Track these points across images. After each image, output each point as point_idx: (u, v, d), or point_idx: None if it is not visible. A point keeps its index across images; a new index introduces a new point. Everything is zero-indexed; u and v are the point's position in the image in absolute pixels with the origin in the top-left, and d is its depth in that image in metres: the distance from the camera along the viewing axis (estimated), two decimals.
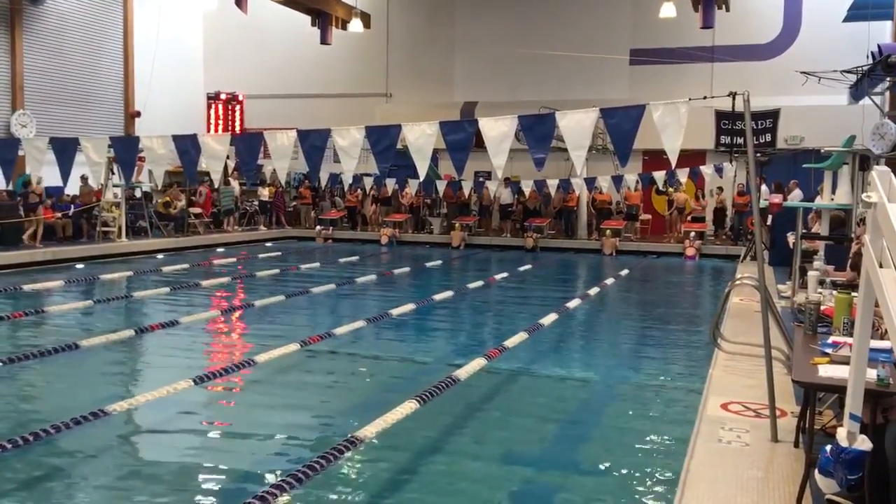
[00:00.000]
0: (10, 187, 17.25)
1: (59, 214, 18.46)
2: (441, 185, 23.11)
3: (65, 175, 9.84)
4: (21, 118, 21.13)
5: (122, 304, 11.64)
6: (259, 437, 6.08)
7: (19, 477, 5.06)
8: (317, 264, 17.11)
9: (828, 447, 3.49)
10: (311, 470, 4.57)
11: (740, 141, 21.57)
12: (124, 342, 8.73)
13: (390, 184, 23.44)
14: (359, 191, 24.62)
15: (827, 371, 4.03)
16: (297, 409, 6.84)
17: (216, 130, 26.59)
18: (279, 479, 4.48)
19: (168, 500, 4.79)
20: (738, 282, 6.69)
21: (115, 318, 10.71)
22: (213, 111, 27.19)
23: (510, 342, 8.37)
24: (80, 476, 5.20)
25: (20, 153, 10.89)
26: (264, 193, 24.64)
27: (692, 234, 20.52)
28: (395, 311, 10.43)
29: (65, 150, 9.90)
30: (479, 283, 13.76)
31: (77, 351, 7.67)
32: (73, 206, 18.97)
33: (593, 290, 13.50)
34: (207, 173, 11.78)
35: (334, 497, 4.81)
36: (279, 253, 19.96)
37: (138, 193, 20.83)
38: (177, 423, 6.36)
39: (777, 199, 12.92)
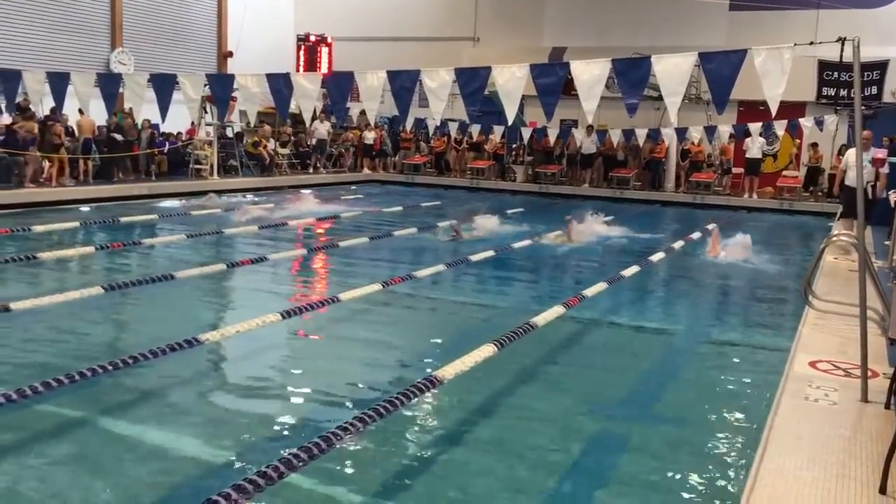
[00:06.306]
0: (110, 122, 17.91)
1: (155, 150, 19.11)
2: (526, 133, 22.84)
3: (163, 110, 10.18)
4: (120, 55, 21.82)
5: (214, 238, 12.05)
6: (341, 371, 6.27)
7: (118, 397, 5.38)
8: (399, 208, 17.26)
9: None
10: (391, 405, 4.68)
11: (844, 93, 20.52)
12: (216, 275, 9.08)
13: (475, 130, 23.31)
14: (448, 136, 24.52)
15: None
16: (377, 347, 7.01)
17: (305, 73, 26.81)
18: (360, 412, 4.61)
19: (253, 426, 5.01)
20: (833, 239, 6.44)
21: (207, 252, 11.12)
22: (302, 53, 27.38)
23: (589, 291, 8.30)
24: (173, 399, 5.48)
25: (121, 90, 11.30)
26: (369, 137, 24.76)
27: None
28: (474, 257, 10.47)
29: (163, 87, 10.22)
30: (558, 232, 13.61)
31: (172, 282, 8.01)
32: (167, 143, 19.58)
33: (678, 243, 13.22)
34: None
35: (411, 432, 4.94)
36: (363, 196, 20.23)
37: (230, 133, 21.35)
38: (264, 354, 6.62)
39: (881, 154, 12.28)
